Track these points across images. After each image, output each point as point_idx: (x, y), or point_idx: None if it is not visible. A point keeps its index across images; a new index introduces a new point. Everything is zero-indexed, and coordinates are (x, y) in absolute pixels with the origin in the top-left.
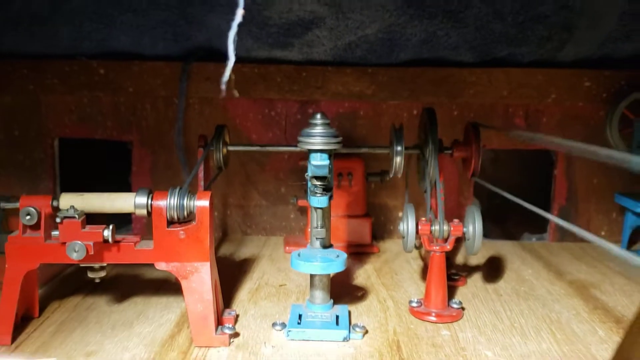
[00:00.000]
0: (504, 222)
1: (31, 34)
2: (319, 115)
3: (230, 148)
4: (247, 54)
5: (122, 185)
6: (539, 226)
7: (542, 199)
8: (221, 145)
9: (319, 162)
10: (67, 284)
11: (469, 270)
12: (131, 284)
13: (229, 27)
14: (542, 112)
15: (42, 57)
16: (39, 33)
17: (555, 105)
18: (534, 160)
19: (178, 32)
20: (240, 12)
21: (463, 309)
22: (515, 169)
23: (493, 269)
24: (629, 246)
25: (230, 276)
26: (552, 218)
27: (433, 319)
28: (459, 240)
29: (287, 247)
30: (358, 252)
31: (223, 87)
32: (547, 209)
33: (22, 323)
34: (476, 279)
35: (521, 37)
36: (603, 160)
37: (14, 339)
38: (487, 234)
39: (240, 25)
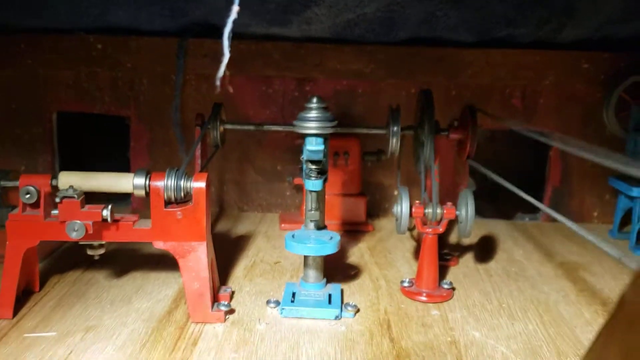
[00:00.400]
0: (498, 201)
1: (29, 9)
2: (315, 99)
3: (228, 126)
4: (244, 30)
5: (121, 160)
6: (532, 206)
7: (538, 179)
8: (218, 124)
9: (314, 147)
10: (66, 258)
11: (461, 250)
12: (130, 260)
13: (226, 3)
14: (540, 93)
15: (40, 31)
16: (37, 8)
17: (552, 87)
18: (530, 140)
19: (175, 8)
20: (235, 9)
21: (453, 289)
22: (511, 148)
23: (485, 249)
24: (620, 228)
25: (227, 253)
26: (541, 206)
27: (424, 299)
28: (452, 223)
29: (282, 224)
30: (353, 230)
31: (218, 83)
32: (542, 189)
33: (23, 297)
34: (468, 259)
35: (521, 18)
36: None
37: (15, 313)
38: (481, 212)
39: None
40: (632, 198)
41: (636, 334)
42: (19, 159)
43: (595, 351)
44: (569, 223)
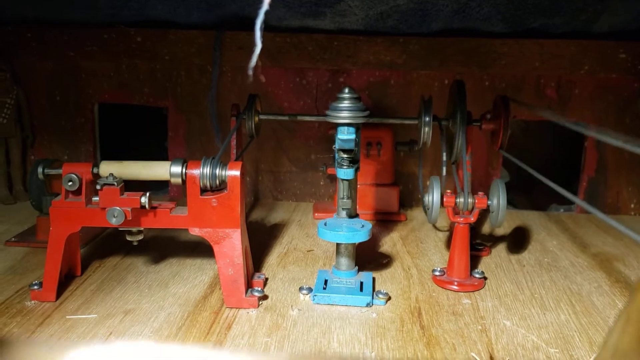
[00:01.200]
0: (532, 193)
1: (71, 3)
2: (347, 90)
3: (262, 117)
4: (279, 23)
5: (159, 150)
6: (567, 197)
7: (573, 170)
8: (253, 114)
9: (345, 137)
10: (107, 245)
11: (494, 240)
12: (167, 246)
13: None
14: (575, 84)
15: (82, 24)
16: (79, 1)
17: (588, 77)
18: (564, 131)
19: (212, 1)
20: (267, 0)
21: (485, 278)
22: (545, 140)
23: (518, 240)
24: None
25: (261, 241)
26: (573, 198)
27: (455, 287)
28: (485, 211)
29: (316, 214)
30: (385, 220)
31: (250, 72)
32: (577, 180)
33: (65, 281)
34: (500, 249)
35: (555, 7)
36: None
37: (58, 296)
38: (515, 203)
39: None
40: None
41: None
42: (62, 148)
43: (613, 337)
44: (601, 215)
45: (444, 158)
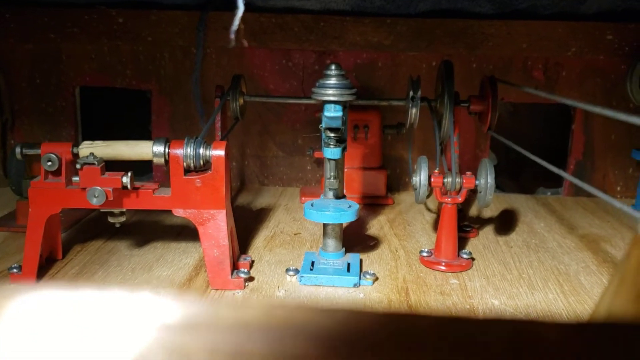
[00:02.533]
0: (519, 176)
1: None
2: (333, 66)
3: (247, 98)
4: (264, 3)
5: (143, 134)
6: (554, 181)
7: (559, 153)
8: (238, 96)
9: (332, 114)
10: (89, 229)
11: (481, 222)
12: (151, 230)
13: None
14: (562, 65)
15: (62, 5)
16: None
17: (575, 59)
18: (552, 114)
19: None
20: None
21: (473, 259)
22: (533, 123)
23: (505, 222)
24: None
25: (247, 224)
26: (564, 174)
27: (442, 268)
28: (473, 191)
29: (302, 198)
30: (373, 204)
31: (232, 36)
32: (564, 163)
33: (46, 264)
34: (488, 231)
35: None
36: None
37: (38, 280)
38: (502, 187)
39: None
40: None
41: None
42: (43, 132)
43: (607, 298)
44: (594, 190)
45: (437, 140)
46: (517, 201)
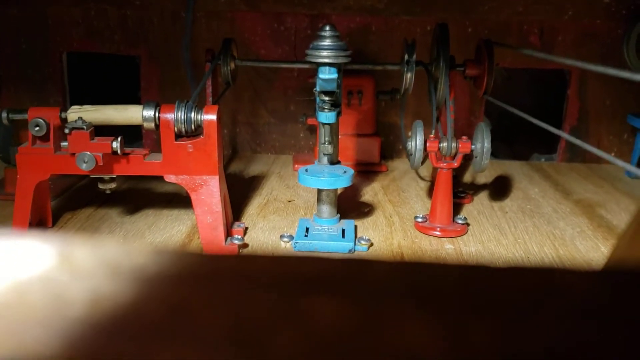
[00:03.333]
0: (513, 143)
1: None
2: (327, 27)
3: (238, 62)
4: None
5: (132, 101)
6: (548, 147)
7: (554, 120)
8: (229, 60)
9: (327, 76)
10: (79, 196)
11: (476, 188)
12: (142, 197)
13: None
14: (558, 30)
15: None
16: None
17: (571, 23)
18: (547, 80)
19: None
20: None
21: (468, 224)
22: (527, 89)
23: (500, 188)
24: (638, 166)
25: (240, 192)
26: (561, 133)
27: (437, 233)
28: (468, 158)
29: (296, 165)
30: (367, 171)
31: None
32: (559, 129)
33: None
34: (482, 197)
35: None
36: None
37: None
38: (496, 154)
39: None
40: None
41: None
42: (30, 100)
43: (624, 243)
44: (595, 150)
45: (434, 104)
46: (511, 167)
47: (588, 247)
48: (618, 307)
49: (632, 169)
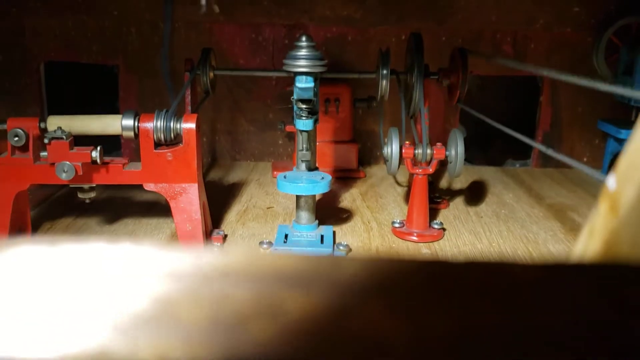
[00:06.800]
0: (488, 149)
1: None
2: (304, 38)
3: (217, 72)
4: None
5: (110, 111)
6: (522, 153)
7: (527, 126)
8: (208, 69)
9: (304, 85)
10: (58, 205)
11: (451, 194)
12: (121, 206)
13: None
14: (530, 38)
15: None
16: None
17: (543, 31)
18: (520, 88)
19: None
20: None
21: (444, 229)
22: (501, 96)
23: (475, 193)
24: (609, 171)
25: (219, 199)
26: (532, 142)
27: (414, 238)
28: (443, 164)
29: (275, 172)
30: (345, 177)
31: (203, 2)
32: (532, 135)
33: None
34: (458, 202)
35: None
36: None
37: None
38: (471, 160)
39: None
40: (620, 141)
41: None
42: (7, 110)
43: (579, 250)
44: (565, 159)
45: (403, 111)
46: (486, 173)
47: (560, 250)
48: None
49: (597, 175)
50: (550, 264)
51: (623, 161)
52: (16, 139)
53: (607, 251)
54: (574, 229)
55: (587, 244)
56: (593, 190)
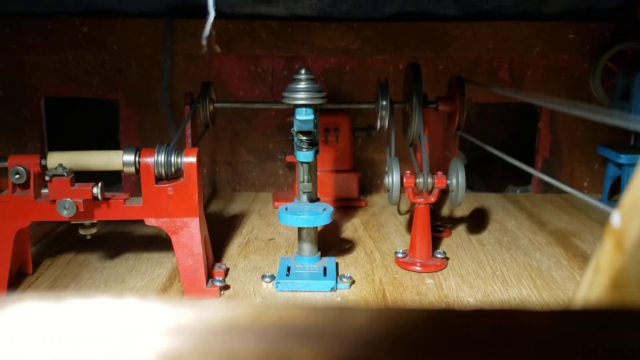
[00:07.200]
0: (489, 175)
1: None
2: (303, 71)
3: (217, 105)
4: (231, 10)
5: (111, 145)
6: (523, 179)
7: (527, 152)
8: (207, 102)
9: (304, 117)
10: (59, 241)
11: (453, 222)
12: (122, 241)
13: None
14: (527, 65)
15: (24, 15)
16: None
17: (539, 58)
18: (518, 114)
19: None
20: None
21: (447, 258)
22: (500, 123)
23: (477, 221)
24: (610, 196)
25: (220, 232)
26: (532, 171)
27: (418, 268)
28: (444, 193)
29: (275, 203)
30: (346, 207)
31: (204, 42)
32: (531, 161)
33: (16, 280)
34: (460, 230)
35: None
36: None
37: (8, 295)
38: (472, 186)
39: None
40: (620, 165)
41: None
42: (8, 145)
43: (583, 289)
44: (562, 186)
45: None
46: (487, 200)
47: (564, 277)
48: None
49: (598, 204)
50: (557, 310)
51: (627, 197)
52: (17, 176)
53: (613, 289)
54: (577, 255)
55: (593, 280)
56: (595, 215)
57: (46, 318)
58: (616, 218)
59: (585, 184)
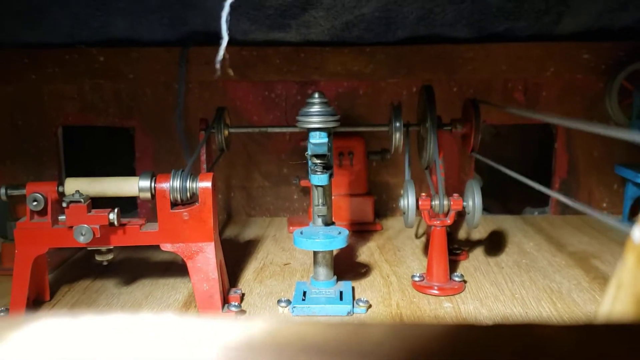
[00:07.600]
0: (505, 197)
1: (30, 24)
2: (316, 94)
3: (231, 130)
4: (244, 36)
5: (127, 171)
6: (540, 200)
7: (544, 173)
8: (222, 127)
9: (317, 141)
10: (76, 268)
11: (471, 244)
12: (138, 267)
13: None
14: (541, 86)
15: (42, 46)
16: (38, 22)
17: (554, 79)
18: (534, 135)
19: (174, 17)
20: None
21: (465, 281)
22: (516, 144)
23: (495, 243)
24: (630, 217)
25: (236, 257)
26: (550, 192)
27: (435, 292)
28: (460, 215)
29: (290, 227)
30: (361, 230)
31: (218, 66)
32: (549, 182)
33: (34, 307)
34: (478, 252)
35: (518, 11)
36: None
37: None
38: (488, 209)
39: (237, 8)
40: (639, 185)
41: None
42: (26, 174)
43: (606, 305)
44: (581, 207)
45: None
46: (505, 222)
47: (585, 299)
48: None
49: (618, 224)
50: (578, 324)
51: None
52: (35, 203)
53: (636, 304)
54: (598, 277)
55: (615, 297)
56: (615, 236)
57: (61, 335)
58: (637, 234)
59: (605, 204)
